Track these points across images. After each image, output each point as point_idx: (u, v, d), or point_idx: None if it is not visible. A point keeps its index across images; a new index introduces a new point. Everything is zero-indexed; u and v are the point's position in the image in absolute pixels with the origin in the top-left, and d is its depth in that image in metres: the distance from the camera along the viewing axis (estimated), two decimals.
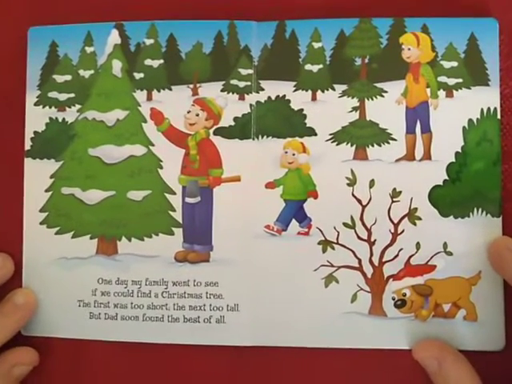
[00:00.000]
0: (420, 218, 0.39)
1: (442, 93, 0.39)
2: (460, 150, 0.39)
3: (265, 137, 0.40)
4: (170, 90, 0.40)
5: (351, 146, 0.39)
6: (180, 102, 0.40)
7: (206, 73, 0.40)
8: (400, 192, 0.39)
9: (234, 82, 0.40)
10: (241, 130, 0.40)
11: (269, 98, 0.40)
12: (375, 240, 0.39)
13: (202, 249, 0.39)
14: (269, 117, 0.40)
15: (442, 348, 0.36)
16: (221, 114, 0.40)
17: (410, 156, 0.39)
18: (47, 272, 0.40)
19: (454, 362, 0.35)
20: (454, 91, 0.39)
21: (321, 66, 0.40)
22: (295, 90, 0.40)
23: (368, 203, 0.39)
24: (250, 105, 0.40)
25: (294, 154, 0.40)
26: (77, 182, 0.40)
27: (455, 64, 0.39)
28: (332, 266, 0.39)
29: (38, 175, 0.41)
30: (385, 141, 0.39)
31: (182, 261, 0.39)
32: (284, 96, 0.40)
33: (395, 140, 0.39)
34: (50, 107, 0.41)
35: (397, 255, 0.39)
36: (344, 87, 0.40)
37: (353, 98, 0.39)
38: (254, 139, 0.40)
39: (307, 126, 0.40)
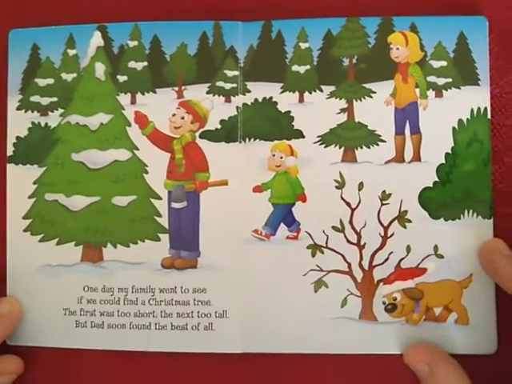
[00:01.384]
0: (410, 221, 0.38)
1: (431, 93, 0.39)
2: (450, 151, 0.38)
3: (252, 140, 0.39)
4: (155, 92, 0.40)
5: (339, 148, 0.39)
6: (165, 105, 0.39)
7: (191, 75, 0.40)
8: (390, 194, 0.38)
9: (219, 83, 0.39)
10: (227, 132, 0.39)
11: (255, 99, 0.39)
12: (365, 243, 0.38)
13: (189, 255, 0.39)
14: (256, 119, 0.39)
15: (433, 352, 0.36)
16: (207, 116, 0.39)
17: (399, 158, 0.38)
18: (32, 280, 0.39)
19: (444, 367, 0.35)
20: (444, 91, 0.39)
21: (308, 66, 0.39)
22: (282, 92, 0.39)
23: (357, 206, 0.38)
24: (237, 107, 0.39)
25: (281, 157, 0.39)
26: (60, 188, 0.40)
27: (444, 63, 0.39)
28: (321, 270, 0.38)
29: (20, 181, 0.40)
30: (374, 142, 0.39)
31: (168, 267, 0.39)
32: (271, 98, 0.39)
33: (384, 141, 0.39)
34: (33, 111, 0.40)
35: (387, 259, 0.38)
36: (332, 88, 0.39)
37: (341, 99, 0.39)
38: (240, 142, 0.39)
39: (295, 128, 0.39)
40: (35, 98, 0.40)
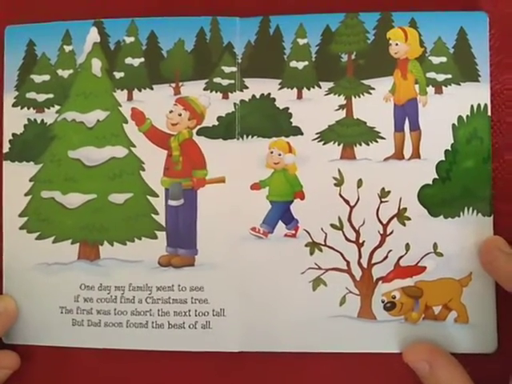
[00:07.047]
0: (409, 219, 0.38)
1: (430, 89, 0.38)
2: (450, 148, 0.38)
3: (249, 137, 0.39)
4: (152, 89, 0.39)
5: (338, 145, 0.38)
6: (162, 102, 0.39)
7: (188, 71, 0.39)
8: (389, 192, 0.38)
9: (217, 80, 0.39)
10: (225, 129, 0.39)
11: (253, 96, 0.39)
12: (364, 241, 0.38)
13: (187, 253, 0.38)
14: (253, 116, 0.39)
15: (432, 351, 0.36)
16: (204, 113, 0.39)
17: (398, 155, 0.38)
18: (28, 278, 0.39)
19: (445, 365, 0.35)
20: (443, 87, 0.38)
21: (306, 62, 0.39)
22: (280, 88, 0.39)
23: (356, 204, 0.38)
24: (234, 104, 0.39)
25: (279, 154, 0.39)
26: (57, 186, 0.39)
27: (444, 59, 0.38)
28: (320, 268, 0.38)
29: (17, 178, 0.40)
30: (373, 139, 0.38)
31: (165, 265, 0.39)
32: (269, 94, 0.39)
33: (383, 138, 0.38)
34: (29, 108, 0.40)
35: (386, 257, 0.38)
36: (330, 84, 0.39)
37: (339, 95, 0.38)
38: (238, 139, 0.39)
39: (293, 125, 0.39)
40: (31, 95, 0.40)
